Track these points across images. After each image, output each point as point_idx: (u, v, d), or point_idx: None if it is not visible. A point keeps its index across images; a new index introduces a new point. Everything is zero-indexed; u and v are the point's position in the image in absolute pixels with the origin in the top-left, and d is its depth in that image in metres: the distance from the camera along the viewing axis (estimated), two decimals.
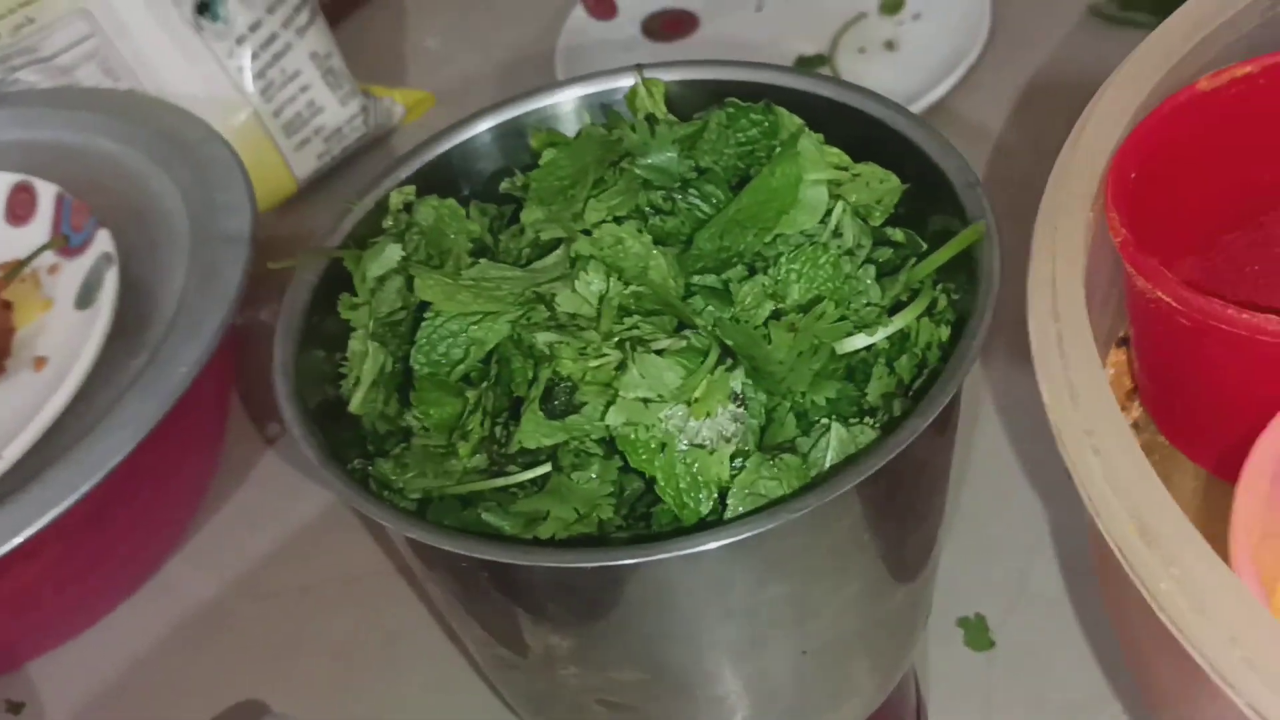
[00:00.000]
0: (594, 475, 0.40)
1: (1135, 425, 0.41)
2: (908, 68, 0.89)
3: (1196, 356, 0.36)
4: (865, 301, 0.42)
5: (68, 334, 0.65)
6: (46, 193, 0.70)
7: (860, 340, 0.41)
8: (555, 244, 0.43)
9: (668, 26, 0.97)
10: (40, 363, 0.64)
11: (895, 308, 0.43)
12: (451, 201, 0.45)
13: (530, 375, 0.40)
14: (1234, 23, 0.42)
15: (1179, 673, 0.26)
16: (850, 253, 0.42)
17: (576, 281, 0.39)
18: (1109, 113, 0.40)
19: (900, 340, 0.42)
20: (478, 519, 0.40)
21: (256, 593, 0.68)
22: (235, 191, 0.70)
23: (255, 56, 0.85)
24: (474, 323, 0.40)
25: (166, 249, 0.70)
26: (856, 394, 0.41)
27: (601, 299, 0.39)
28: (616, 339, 0.38)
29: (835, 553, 0.39)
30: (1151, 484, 0.28)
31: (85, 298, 0.66)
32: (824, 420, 0.39)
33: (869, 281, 0.42)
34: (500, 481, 0.40)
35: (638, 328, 0.39)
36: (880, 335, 0.41)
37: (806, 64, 0.91)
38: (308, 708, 0.60)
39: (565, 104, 0.49)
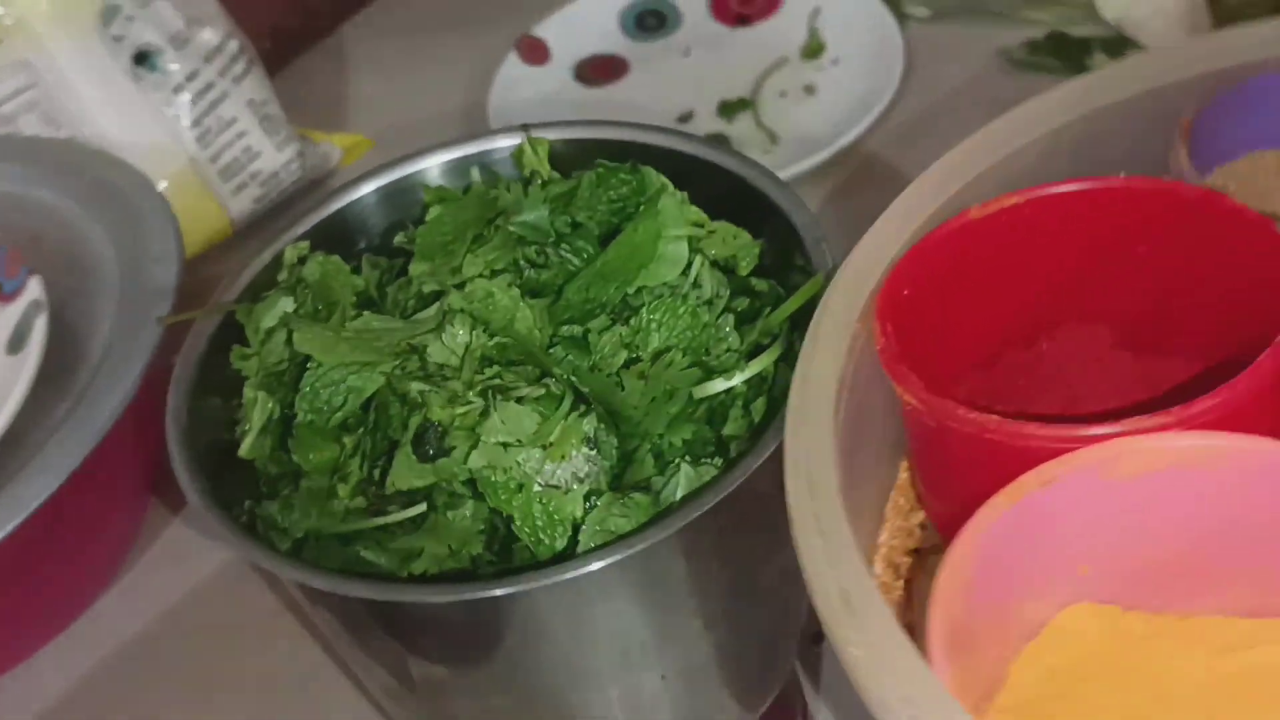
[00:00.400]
0: (467, 514, 0.42)
1: (921, 525, 0.44)
2: (826, 111, 0.92)
3: (944, 456, 0.38)
4: (726, 348, 0.45)
5: None
6: None
7: (719, 385, 0.44)
8: (437, 296, 0.46)
9: (598, 72, 1.00)
10: None
11: (759, 352, 0.46)
12: (336, 258, 0.48)
13: (404, 421, 0.43)
14: (1012, 159, 0.44)
15: None
16: (709, 303, 0.45)
17: (443, 334, 0.42)
18: (887, 233, 0.42)
19: (759, 384, 0.45)
20: (357, 556, 0.42)
21: (184, 628, 0.70)
22: (165, 243, 0.73)
23: (192, 105, 0.88)
24: (353, 372, 0.43)
25: (98, 297, 0.72)
26: (713, 435, 0.44)
27: (466, 350, 0.42)
28: (479, 387, 0.41)
29: (683, 582, 0.42)
30: (857, 564, 0.32)
31: (16, 343, 0.68)
32: (676, 460, 0.42)
33: (728, 329, 0.45)
34: (378, 521, 0.43)
35: (500, 377, 0.42)
36: (738, 379, 0.44)
37: (729, 108, 0.95)
38: None
39: (455, 161, 0.52)
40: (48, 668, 0.69)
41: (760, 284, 0.48)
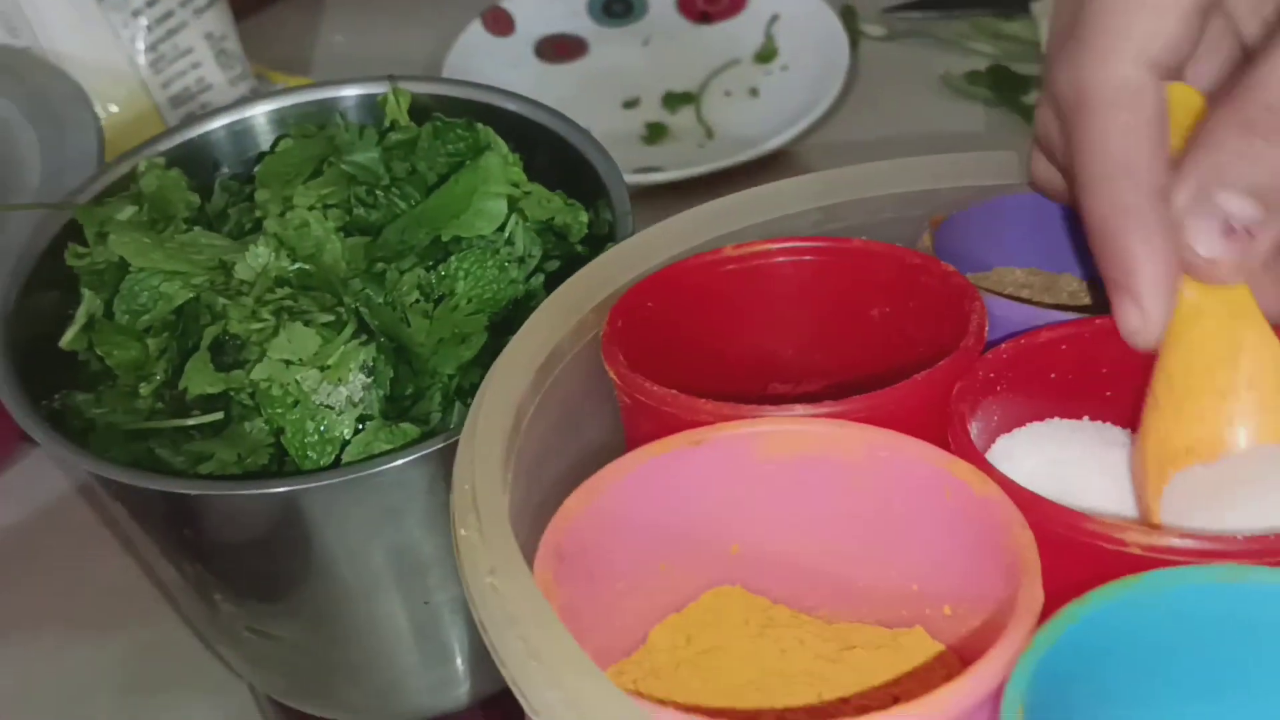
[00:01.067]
0: (262, 427, 0.45)
1: None
2: (766, 114, 0.94)
3: (641, 434, 0.39)
4: (534, 306, 0.47)
5: None
6: None
7: None
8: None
9: (558, 50, 1.03)
10: None
11: None
12: (176, 172, 0.51)
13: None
14: (798, 217, 0.46)
15: None
16: (520, 260, 0.48)
17: (246, 252, 0.45)
18: (653, 242, 0.43)
19: None
20: (150, 453, 0.45)
21: (58, 528, 0.73)
22: (86, 153, 0.76)
23: (149, 30, 0.90)
24: (166, 280, 0.46)
25: (16, 199, 0.75)
26: None
27: (264, 269, 0.44)
28: (273, 306, 0.44)
29: (437, 515, 0.44)
30: (494, 471, 0.34)
31: None
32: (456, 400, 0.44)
33: (538, 288, 0.48)
34: (175, 422, 0.45)
35: (293, 299, 0.44)
36: None
37: (674, 100, 0.97)
38: (56, 637, 0.64)
39: (324, 101, 0.55)
40: None
41: (585, 251, 0.50)
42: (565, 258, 0.50)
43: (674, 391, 0.37)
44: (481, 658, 0.50)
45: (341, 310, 0.44)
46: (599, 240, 0.50)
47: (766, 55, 1.00)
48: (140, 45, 0.90)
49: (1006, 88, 0.94)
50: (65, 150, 0.76)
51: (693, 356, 0.43)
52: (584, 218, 0.50)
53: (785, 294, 0.44)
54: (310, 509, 0.42)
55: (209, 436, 0.46)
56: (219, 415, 0.45)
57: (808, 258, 0.43)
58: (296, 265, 0.45)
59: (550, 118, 0.52)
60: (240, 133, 0.55)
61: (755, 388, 0.45)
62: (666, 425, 0.36)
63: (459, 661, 0.50)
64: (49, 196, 0.74)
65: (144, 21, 0.90)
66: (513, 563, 0.32)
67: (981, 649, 0.30)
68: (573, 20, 1.04)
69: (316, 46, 1.09)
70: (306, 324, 0.43)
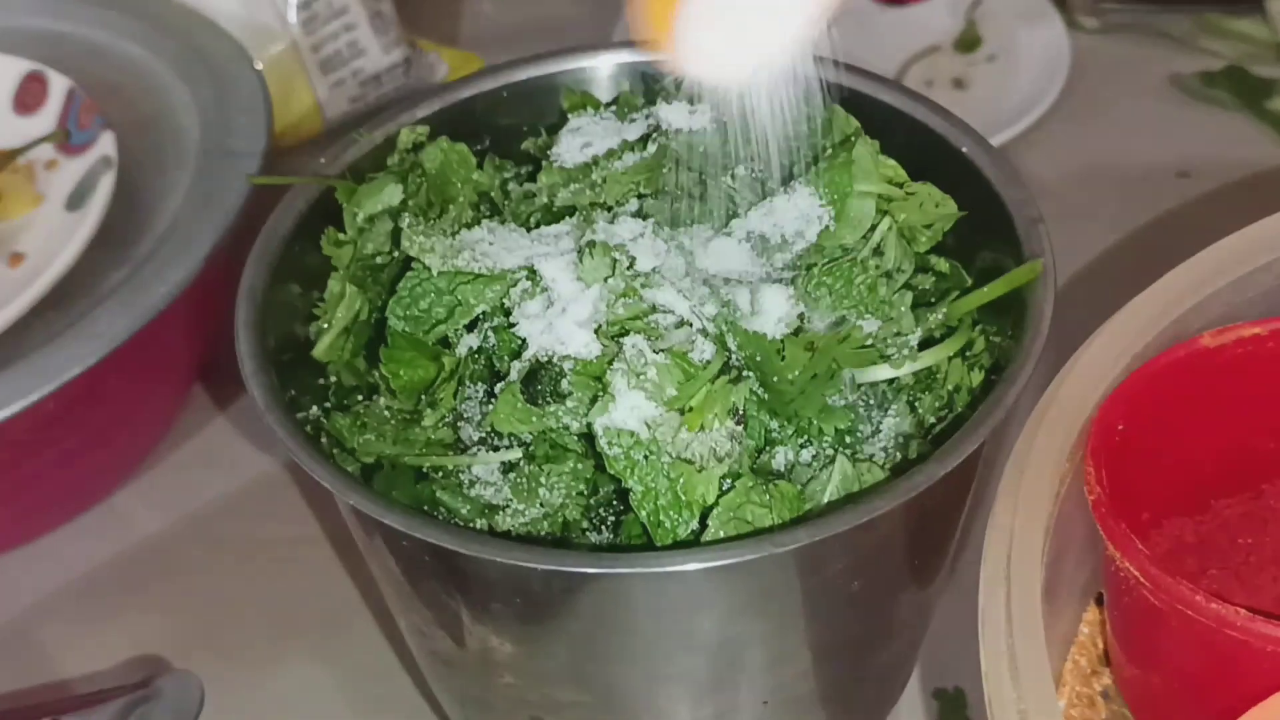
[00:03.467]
0: (567, 471, 0.35)
1: (1104, 694, 0.40)
2: (972, 109, 0.83)
3: (1162, 635, 0.34)
4: (895, 330, 0.38)
5: (52, 234, 0.62)
6: (58, 85, 0.67)
7: (884, 372, 0.37)
8: (568, 211, 0.39)
9: None
10: (16, 259, 0.61)
11: (925, 343, 0.39)
12: (463, 147, 0.41)
13: (516, 352, 0.36)
14: (1244, 283, 0.40)
15: None
16: (889, 275, 0.38)
17: (580, 264, 0.35)
18: (1099, 359, 0.38)
19: (927, 378, 0.38)
20: (432, 496, 0.36)
21: (203, 538, 0.65)
22: (254, 116, 0.67)
23: None
24: (464, 283, 0.36)
25: (172, 165, 0.66)
26: (871, 428, 0.37)
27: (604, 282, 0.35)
28: (615, 328, 0.34)
29: (817, 598, 0.35)
30: None
31: (77, 199, 0.63)
32: (829, 451, 0.35)
33: (903, 309, 0.38)
34: (464, 460, 0.36)
35: (638, 319, 0.35)
36: (906, 369, 0.37)
37: None
38: (218, 670, 0.55)
39: (604, 68, 0.46)
40: (52, 555, 0.63)
41: (941, 263, 0.41)
42: (923, 271, 0.40)
43: (1243, 613, 0.31)
44: None
45: (698, 337, 0.35)
46: (956, 252, 0.41)
47: (969, 44, 0.91)
48: (293, 3, 0.81)
49: (1247, 91, 0.85)
50: (228, 112, 0.68)
51: (1169, 466, 0.38)
52: (950, 223, 0.40)
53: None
54: (659, 591, 0.33)
55: (495, 478, 0.36)
56: (517, 454, 0.36)
57: None
58: (638, 277, 0.35)
59: (896, 95, 0.43)
60: (507, 102, 0.45)
61: (1243, 488, 0.39)
62: (1210, 636, 0.31)
63: None
64: (211, 165, 0.65)
65: None
66: None
67: None
68: None
69: (464, 14, 1.01)
70: (657, 352, 0.34)
